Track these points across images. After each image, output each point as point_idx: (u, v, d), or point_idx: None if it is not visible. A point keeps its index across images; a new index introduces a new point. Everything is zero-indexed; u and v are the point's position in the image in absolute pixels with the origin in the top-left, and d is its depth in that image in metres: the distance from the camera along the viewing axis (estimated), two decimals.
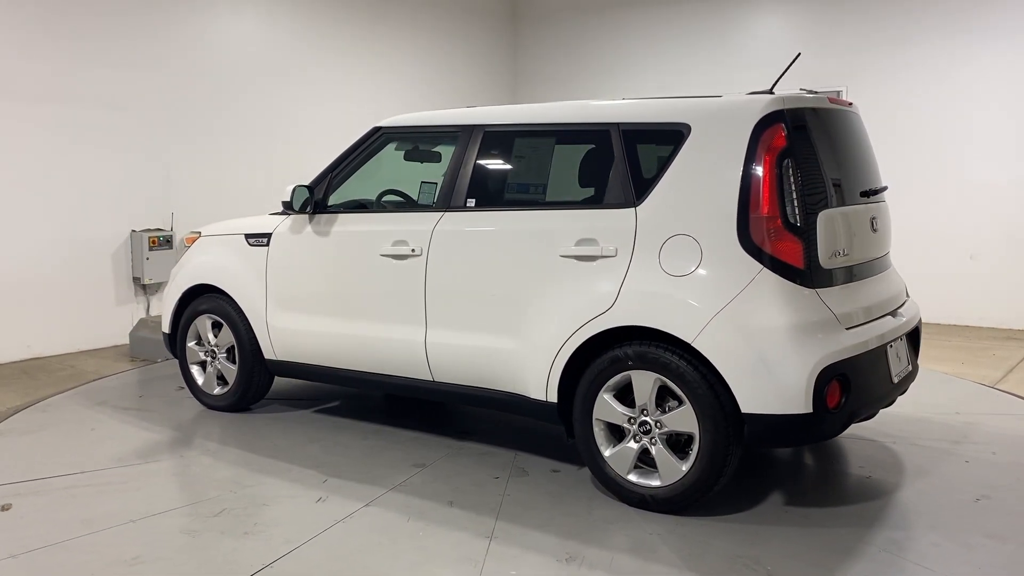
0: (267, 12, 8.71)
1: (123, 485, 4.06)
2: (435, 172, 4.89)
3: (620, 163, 3.87)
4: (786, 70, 4.10)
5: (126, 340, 7.37)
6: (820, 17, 9.36)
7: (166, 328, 5.53)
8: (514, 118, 4.32)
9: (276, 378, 5.29)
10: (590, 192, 4.08)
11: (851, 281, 3.80)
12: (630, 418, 3.74)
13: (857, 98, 8.79)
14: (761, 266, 3.49)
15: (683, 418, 3.59)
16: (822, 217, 3.60)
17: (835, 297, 3.63)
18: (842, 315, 3.60)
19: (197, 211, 7.93)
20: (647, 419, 3.69)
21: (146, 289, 7.80)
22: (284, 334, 4.91)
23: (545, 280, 3.96)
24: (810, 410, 3.39)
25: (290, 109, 8.95)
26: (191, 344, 5.39)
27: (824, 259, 3.60)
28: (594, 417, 3.83)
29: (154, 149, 7.75)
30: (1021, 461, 4.37)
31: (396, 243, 4.41)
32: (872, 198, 4.11)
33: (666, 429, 3.65)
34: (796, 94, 3.76)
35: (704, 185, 3.65)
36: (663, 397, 3.68)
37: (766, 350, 3.42)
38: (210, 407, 5.35)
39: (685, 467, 3.60)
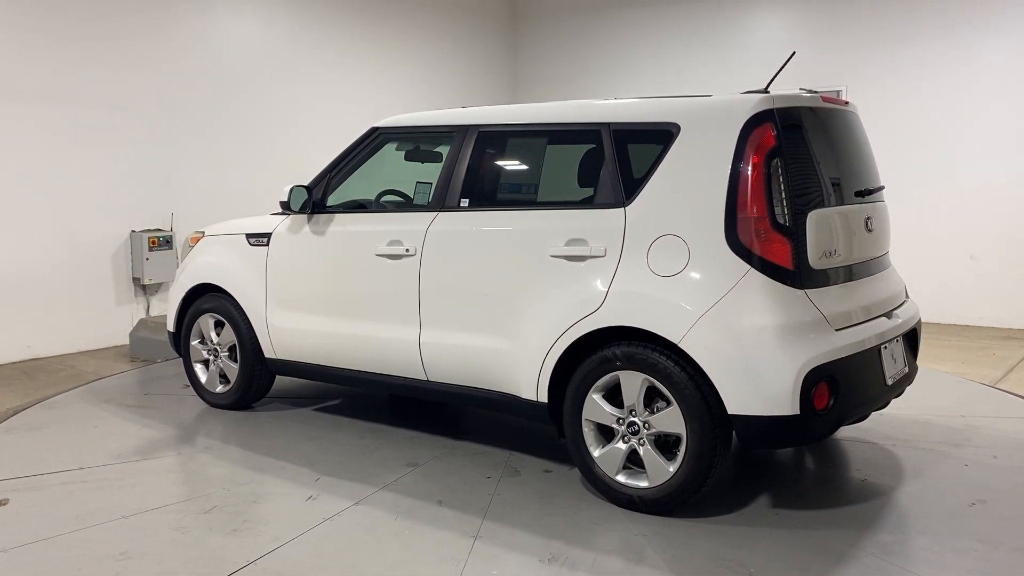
0: (267, 12, 8.74)
1: (119, 481, 4.11)
2: (434, 172, 4.89)
3: (610, 163, 3.86)
4: (781, 69, 4.06)
5: (126, 341, 7.39)
6: (820, 16, 9.34)
7: (171, 327, 5.59)
8: (507, 118, 4.32)
9: (280, 377, 5.34)
10: (581, 192, 4.07)
11: (843, 282, 3.76)
12: (619, 419, 3.73)
13: (857, 97, 8.77)
14: (749, 266, 3.47)
15: (670, 419, 3.57)
16: (812, 217, 3.57)
17: (825, 298, 3.60)
18: (832, 316, 3.57)
19: (197, 211, 7.96)
20: (635, 420, 3.68)
21: (146, 289, 7.83)
22: (283, 333, 4.94)
23: (536, 280, 3.96)
24: (797, 412, 3.36)
25: (290, 109, 8.96)
26: (194, 342, 5.45)
27: (814, 259, 3.57)
28: (583, 417, 3.83)
29: (154, 149, 7.78)
30: (1022, 465, 4.30)
31: (391, 243, 4.43)
32: (868, 198, 4.06)
33: (654, 430, 3.64)
34: (787, 93, 3.72)
35: (692, 185, 3.63)
36: (652, 398, 3.67)
37: (752, 351, 3.39)
38: (213, 405, 5.40)
39: (673, 468, 3.59)
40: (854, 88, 8.90)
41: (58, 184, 7.14)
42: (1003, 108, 8.39)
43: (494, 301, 4.09)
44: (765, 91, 3.77)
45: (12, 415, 5.22)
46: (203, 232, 5.55)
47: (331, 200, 4.84)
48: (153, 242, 7.64)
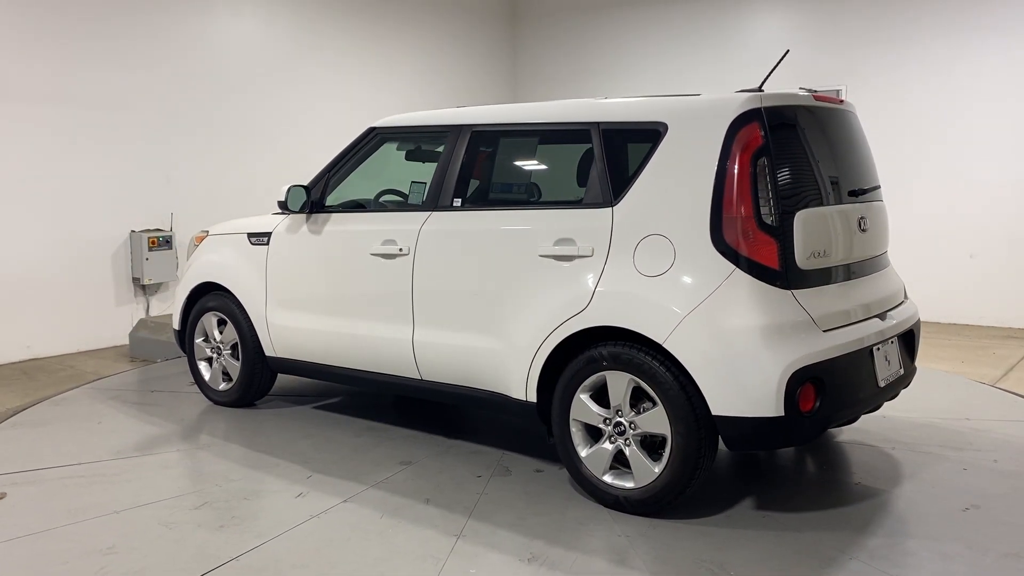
0: (267, 12, 8.76)
1: (116, 477, 4.18)
2: (431, 172, 4.91)
3: (599, 162, 3.85)
4: (775, 68, 4.02)
5: (126, 341, 7.42)
6: (820, 16, 9.30)
7: (176, 325, 5.67)
8: (500, 118, 4.33)
9: (284, 375, 5.38)
10: (570, 192, 4.07)
11: (834, 282, 3.72)
12: (605, 419, 3.72)
13: (857, 97, 8.80)
14: (734, 267, 3.44)
15: (656, 419, 3.56)
16: (800, 217, 3.53)
17: (814, 298, 3.56)
18: (820, 317, 3.53)
19: (197, 211, 8.01)
20: (622, 420, 3.67)
21: (146, 289, 7.86)
22: (283, 331, 4.99)
23: (525, 280, 3.96)
24: (781, 413, 3.33)
25: (290, 109, 8.98)
26: (198, 340, 5.51)
27: (802, 260, 3.53)
28: (571, 417, 3.82)
29: (154, 149, 7.81)
30: (1021, 471, 4.22)
31: (385, 242, 4.46)
32: (862, 197, 4.01)
33: (640, 430, 3.62)
34: (776, 92, 3.68)
35: (679, 184, 3.61)
36: (639, 398, 3.65)
37: (736, 351, 3.37)
38: (216, 402, 5.47)
39: (658, 469, 3.57)
40: (854, 87, 8.89)
41: (58, 184, 7.16)
42: (1003, 107, 8.37)
43: (485, 301, 4.10)
44: (759, 90, 3.75)
45: (12, 415, 5.28)
46: (207, 232, 5.61)
47: (330, 200, 4.88)
48: (153, 242, 7.66)
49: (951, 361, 6.93)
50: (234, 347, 5.31)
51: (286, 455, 4.49)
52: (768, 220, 3.47)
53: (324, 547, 3.38)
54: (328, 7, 9.32)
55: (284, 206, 4.84)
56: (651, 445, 3.65)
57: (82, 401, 5.62)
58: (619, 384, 3.65)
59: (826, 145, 3.89)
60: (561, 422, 3.85)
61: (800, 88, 4.17)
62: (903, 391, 4.30)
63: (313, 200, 4.84)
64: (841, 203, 3.84)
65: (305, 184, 4.86)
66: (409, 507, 3.78)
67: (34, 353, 7.14)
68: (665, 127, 3.69)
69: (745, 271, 3.44)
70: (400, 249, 4.39)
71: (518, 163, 4.28)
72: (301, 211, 4.85)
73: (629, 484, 3.67)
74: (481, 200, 4.33)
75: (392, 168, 5.15)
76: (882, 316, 3.93)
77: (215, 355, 5.44)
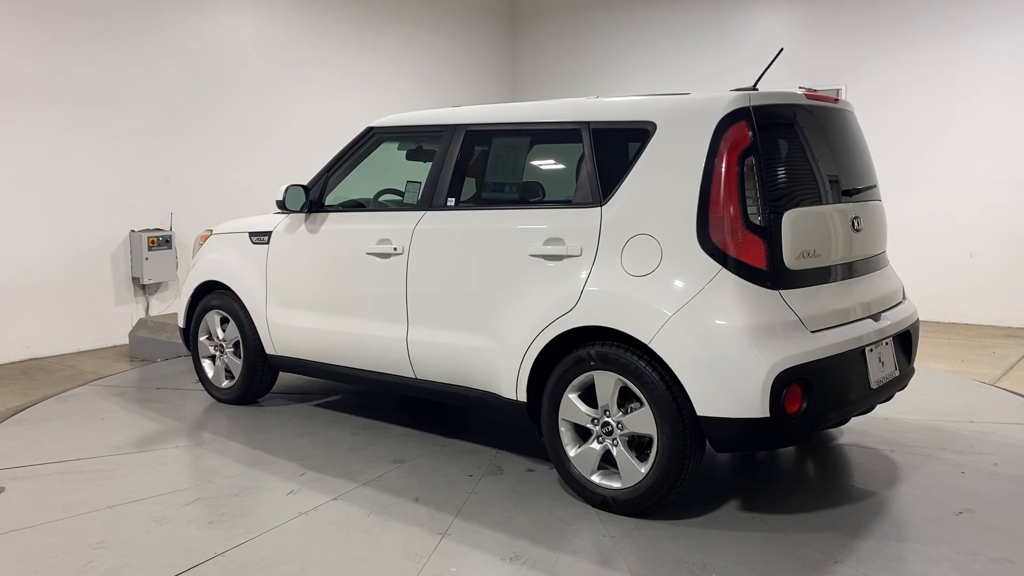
0: (266, 12, 8.77)
1: (113, 472, 4.24)
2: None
3: (588, 162, 3.84)
4: (769, 66, 4.00)
5: (125, 341, 7.46)
6: (820, 15, 9.27)
7: (181, 323, 5.74)
8: (493, 117, 4.33)
9: (288, 373, 5.43)
10: (561, 191, 4.07)
11: (824, 282, 3.68)
12: (594, 419, 3.72)
13: (857, 96, 8.76)
14: (720, 267, 3.42)
15: (642, 420, 3.55)
16: (789, 217, 3.50)
17: (802, 299, 3.53)
18: (809, 317, 3.50)
19: (196, 211, 8.04)
20: (609, 420, 3.66)
21: (145, 289, 7.87)
22: (282, 330, 5.03)
23: (515, 279, 3.96)
24: (767, 414, 3.30)
25: (290, 108, 8.99)
26: (202, 339, 5.57)
27: (790, 260, 3.50)
28: (560, 417, 3.82)
29: (154, 148, 7.83)
30: (1020, 474, 4.15)
31: (380, 242, 4.48)
32: (856, 197, 3.97)
33: (627, 431, 3.61)
34: (766, 91, 3.65)
35: (666, 184, 3.59)
36: (627, 398, 3.64)
37: (721, 352, 3.34)
38: (219, 400, 5.52)
39: (644, 469, 3.56)
40: (854, 87, 8.87)
41: (57, 184, 7.17)
42: (1003, 106, 8.33)
43: (476, 300, 4.11)
44: (753, 88, 3.72)
45: (12, 414, 5.32)
46: (211, 231, 5.67)
47: (329, 199, 4.91)
48: (152, 242, 7.67)
49: (951, 360, 6.91)
50: (236, 345, 5.37)
51: (282, 452, 4.53)
52: (755, 220, 3.44)
53: (309, 544, 3.40)
54: (328, 6, 9.32)
55: (282, 205, 4.88)
56: (639, 445, 3.64)
57: (87, 398, 5.70)
58: (606, 384, 3.64)
59: (819, 144, 3.85)
60: (550, 422, 3.85)
61: (800, 87, 4.14)
62: (899, 393, 4.27)
63: (312, 199, 4.87)
64: (834, 203, 3.81)
65: (304, 184, 4.90)
66: (397, 505, 3.80)
67: (34, 353, 7.15)
68: (654, 126, 3.68)
69: (732, 271, 3.42)
70: (395, 248, 4.41)
71: (511, 163, 4.28)
72: (299, 210, 4.88)
73: (616, 484, 3.66)
74: (474, 199, 4.33)
75: (397, 168, 5.17)
76: (876, 317, 3.89)
77: (218, 353, 5.50)
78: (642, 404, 3.55)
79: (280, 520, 3.63)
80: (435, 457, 4.45)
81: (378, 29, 9.89)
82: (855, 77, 8.93)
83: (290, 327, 4.98)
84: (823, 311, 3.59)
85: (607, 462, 3.73)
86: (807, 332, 3.47)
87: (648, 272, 3.55)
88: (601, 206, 3.75)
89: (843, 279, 3.81)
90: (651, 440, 3.54)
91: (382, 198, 5.12)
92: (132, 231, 7.72)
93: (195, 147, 8.17)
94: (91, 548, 3.37)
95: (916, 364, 4.39)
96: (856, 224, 3.89)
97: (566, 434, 3.82)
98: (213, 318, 5.47)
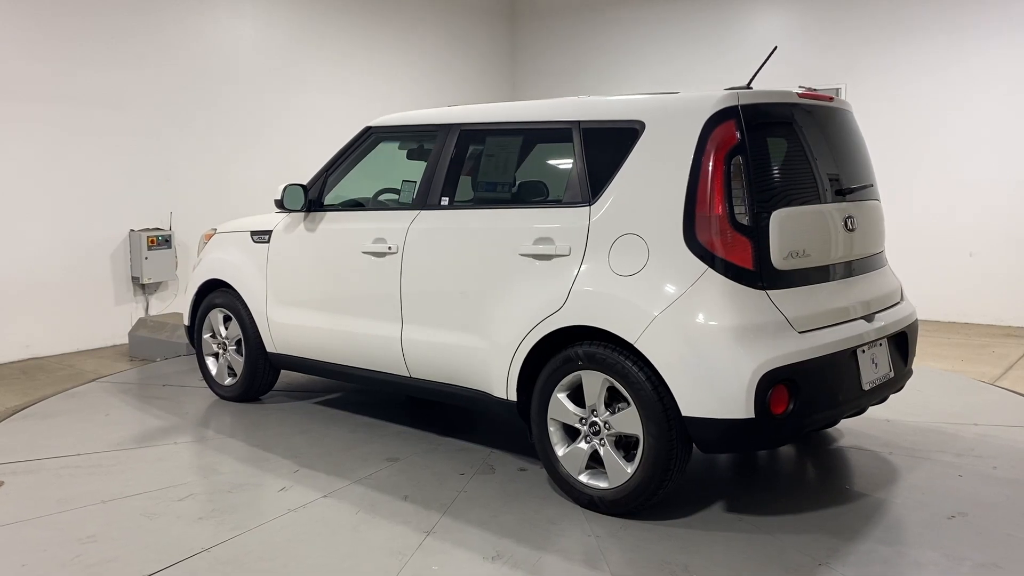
0: (266, 11, 8.77)
1: (111, 468, 4.29)
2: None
3: (578, 161, 3.84)
4: (762, 65, 3.97)
5: (125, 340, 7.47)
6: (820, 14, 9.21)
7: (186, 321, 5.80)
8: (487, 117, 4.34)
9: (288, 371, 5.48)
10: (552, 191, 4.06)
11: (815, 283, 3.65)
12: (582, 418, 3.71)
13: (856, 95, 8.72)
14: (706, 266, 3.40)
15: (629, 420, 3.54)
16: (777, 216, 3.48)
17: (790, 299, 3.50)
18: (797, 318, 3.47)
19: (196, 210, 8.05)
20: (596, 420, 3.65)
21: (145, 289, 7.86)
22: (282, 328, 5.07)
23: (506, 279, 3.97)
24: (751, 415, 3.28)
25: (289, 107, 8.99)
26: (206, 336, 5.64)
27: (778, 260, 3.47)
28: (549, 416, 3.82)
29: (153, 148, 7.83)
30: (1020, 479, 4.09)
31: (376, 241, 4.50)
32: (850, 196, 3.92)
33: (614, 430, 3.60)
34: (755, 90, 3.63)
35: (653, 183, 3.58)
36: (615, 398, 3.63)
37: (706, 352, 3.33)
38: (222, 397, 5.58)
39: (630, 469, 3.55)
40: (853, 86, 8.82)
41: (56, 183, 7.17)
42: (1002, 105, 8.26)
43: (469, 299, 4.12)
44: (747, 87, 3.70)
45: (11, 414, 5.36)
46: (215, 230, 5.73)
47: (329, 198, 4.94)
48: (152, 241, 7.66)
49: (951, 359, 6.88)
50: (238, 343, 5.42)
51: (279, 449, 4.56)
52: (742, 220, 3.42)
53: (294, 541, 3.43)
54: (328, 6, 9.32)
55: (280, 204, 4.92)
56: (626, 445, 3.63)
57: (94, 394, 5.78)
58: (594, 384, 3.64)
59: (812, 143, 3.82)
60: (540, 421, 3.85)
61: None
62: (900, 394, 4.23)
63: (311, 199, 4.91)
64: (826, 202, 3.77)
65: (302, 183, 4.93)
66: (386, 503, 3.82)
67: (33, 352, 7.14)
68: (643, 125, 3.67)
69: (718, 271, 3.40)
70: (389, 247, 4.43)
71: (503, 162, 4.29)
72: (298, 209, 4.92)
73: (603, 484, 3.66)
74: (467, 199, 4.34)
75: (401, 167, 5.19)
76: (869, 317, 3.85)
77: (221, 351, 5.55)
78: (629, 404, 3.54)
79: (269, 517, 3.66)
80: (429, 455, 4.46)
81: (378, 28, 9.89)
82: (855, 77, 8.90)
83: (289, 325, 5.02)
84: (812, 311, 3.56)
85: (595, 462, 3.72)
86: (794, 332, 3.44)
87: (635, 272, 3.54)
88: (590, 205, 3.74)
89: (836, 279, 3.78)
90: (638, 440, 3.53)
91: (381, 197, 5.15)
92: (132, 230, 7.71)
93: (195, 146, 8.18)
94: (81, 542, 3.41)
95: (916, 364, 4.34)
96: (850, 224, 3.85)
97: (555, 433, 3.82)
98: (216, 316, 5.53)
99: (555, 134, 4.05)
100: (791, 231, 3.53)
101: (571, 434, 3.80)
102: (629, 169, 3.67)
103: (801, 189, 3.67)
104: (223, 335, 5.51)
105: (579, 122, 3.89)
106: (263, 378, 5.42)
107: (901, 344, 4.08)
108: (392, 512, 3.71)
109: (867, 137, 4.43)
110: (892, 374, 3.95)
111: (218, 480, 4.12)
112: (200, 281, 5.59)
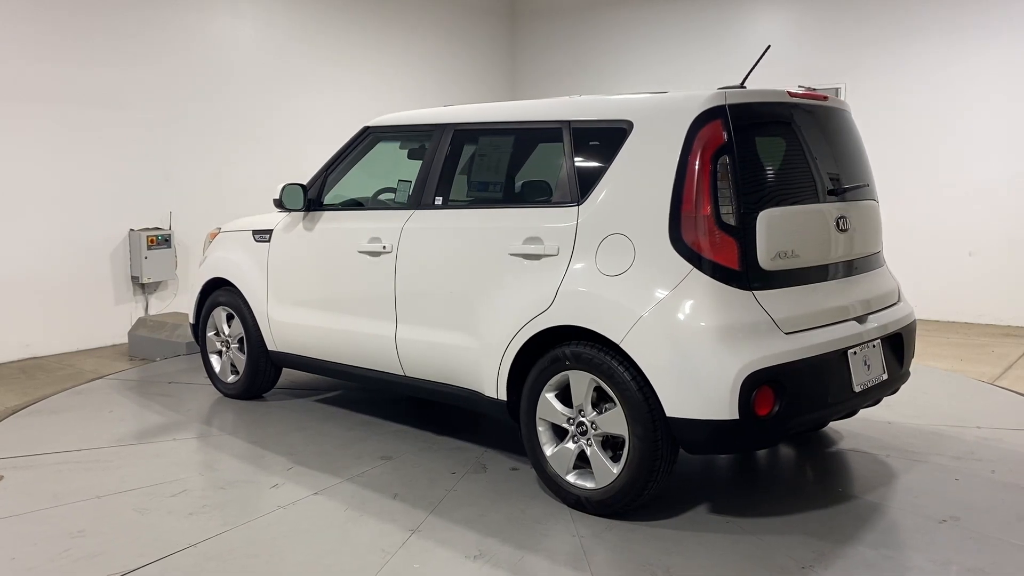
0: (266, 11, 8.77)
1: (108, 463, 4.35)
2: None
3: (567, 161, 3.84)
4: (755, 64, 3.95)
5: (125, 339, 7.47)
6: (820, 14, 9.14)
7: (191, 319, 5.87)
8: (479, 117, 4.35)
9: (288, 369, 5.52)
10: (543, 191, 4.06)
11: (804, 283, 3.61)
12: (569, 418, 3.71)
13: (856, 95, 8.64)
14: (691, 267, 3.39)
15: (615, 420, 3.53)
16: (764, 216, 3.45)
17: (777, 300, 3.47)
18: (784, 319, 3.44)
19: (196, 210, 8.07)
20: (584, 420, 3.65)
21: (144, 288, 7.86)
22: (282, 327, 5.11)
23: (496, 278, 3.97)
24: (736, 416, 3.26)
25: (289, 106, 8.99)
26: (210, 334, 5.69)
27: (765, 260, 3.45)
28: (537, 416, 3.82)
29: (153, 147, 7.83)
30: (1018, 483, 4.03)
31: (371, 240, 4.53)
32: (844, 196, 3.89)
33: (600, 431, 3.60)
34: (744, 89, 3.60)
35: (640, 183, 3.57)
36: (602, 398, 3.62)
37: (690, 352, 3.31)
38: (225, 395, 5.63)
39: (616, 470, 3.54)
40: (853, 86, 8.76)
41: (56, 183, 7.16)
42: (1002, 105, 8.17)
43: (460, 299, 4.13)
44: (741, 86, 3.68)
45: (10, 414, 5.39)
46: (219, 229, 5.79)
47: (328, 198, 4.97)
48: (151, 241, 7.67)
49: (950, 359, 6.83)
50: (241, 341, 5.47)
51: (275, 447, 4.60)
52: (728, 220, 3.40)
53: (280, 538, 3.45)
54: (327, 6, 9.32)
55: (279, 204, 4.96)
56: (613, 446, 3.62)
57: (100, 392, 5.86)
58: (581, 384, 3.63)
59: (805, 143, 3.78)
60: (528, 420, 3.86)
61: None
62: (900, 395, 4.18)
63: (311, 198, 4.94)
64: (817, 202, 3.74)
65: (301, 182, 4.97)
66: (376, 501, 3.83)
67: (33, 352, 7.13)
68: (631, 125, 3.66)
69: (704, 272, 3.38)
70: (384, 247, 4.45)
71: (495, 162, 4.29)
72: (294, 209, 4.96)
73: (590, 484, 3.65)
74: (460, 198, 4.35)
75: (398, 167, 5.21)
76: (862, 319, 3.80)
77: (224, 348, 5.61)
78: (615, 404, 3.53)
79: (258, 513, 3.69)
80: (422, 454, 4.48)
81: (378, 28, 9.89)
82: (855, 77, 8.83)
83: (289, 324, 5.06)
84: (801, 312, 3.53)
85: (583, 462, 3.71)
86: (781, 333, 3.41)
87: (621, 272, 3.53)
88: (579, 205, 3.73)
89: (827, 280, 3.74)
90: (624, 441, 3.52)
91: (380, 197, 5.17)
92: (131, 230, 7.68)
93: (194, 146, 8.17)
94: (71, 536, 3.46)
95: (915, 364, 4.29)
96: (842, 224, 3.81)
97: (543, 433, 3.82)
98: (220, 314, 5.58)
99: (546, 134, 4.05)
100: (779, 231, 3.50)
101: (559, 434, 3.79)
102: (617, 169, 3.66)
103: (791, 189, 3.64)
104: (226, 333, 5.56)
105: (569, 122, 3.89)
106: (264, 376, 5.46)
107: (896, 346, 4.03)
108: (380, 510, 3.73)
109: (866, 137, 4.39)
110: (885, 376, 3.90)
111: (213, 476, 4.17)
112: (204, 279, 5.65)
